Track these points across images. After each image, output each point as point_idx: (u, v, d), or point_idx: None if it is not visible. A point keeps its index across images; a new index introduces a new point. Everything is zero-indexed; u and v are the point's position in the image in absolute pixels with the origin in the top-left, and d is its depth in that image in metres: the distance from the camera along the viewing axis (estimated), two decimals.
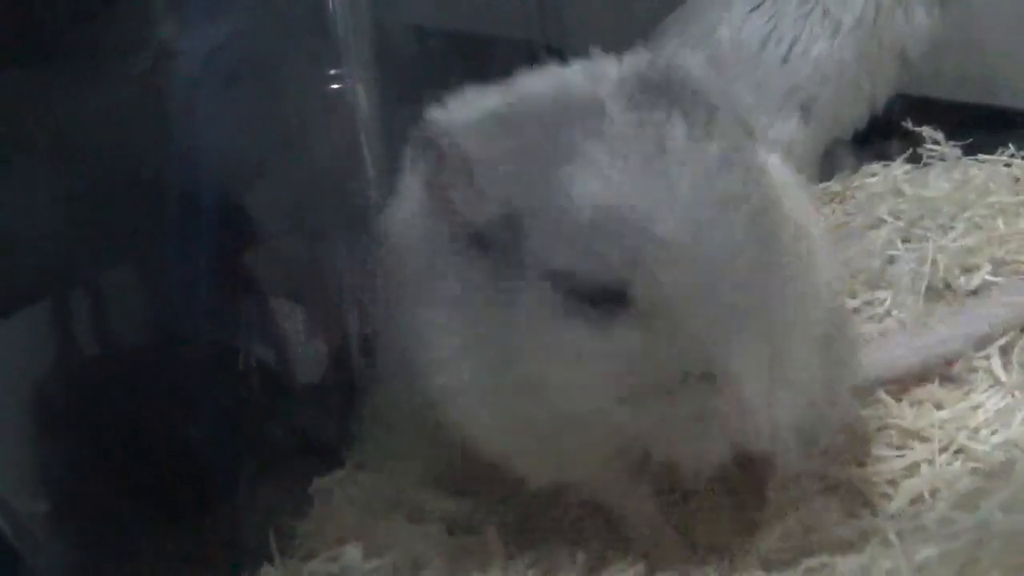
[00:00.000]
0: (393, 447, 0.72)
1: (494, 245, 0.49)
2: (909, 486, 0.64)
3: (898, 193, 0.97)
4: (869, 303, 0.85)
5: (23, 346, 0.71)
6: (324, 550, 0.63)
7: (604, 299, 0.47)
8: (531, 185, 0.48)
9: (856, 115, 1.10)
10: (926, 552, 0.48)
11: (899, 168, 1.03)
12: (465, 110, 0.55)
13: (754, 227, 0.48)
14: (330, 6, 0.96)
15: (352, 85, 0.93)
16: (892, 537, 0.52)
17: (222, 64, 0.86)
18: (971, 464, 0.65)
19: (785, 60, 1.07)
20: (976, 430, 0.69)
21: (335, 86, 0.93)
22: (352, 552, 0.58)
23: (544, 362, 0.49)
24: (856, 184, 1.03)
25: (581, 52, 0.58)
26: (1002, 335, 0.74)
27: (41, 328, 0.75)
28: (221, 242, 0.83)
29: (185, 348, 0.81)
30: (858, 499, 0.64)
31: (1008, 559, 0.46)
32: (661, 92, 0.50)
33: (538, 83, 0.56)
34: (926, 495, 0.63)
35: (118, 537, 0.70)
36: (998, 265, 0.83)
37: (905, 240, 0.90)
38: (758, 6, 1.09)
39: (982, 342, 0.74)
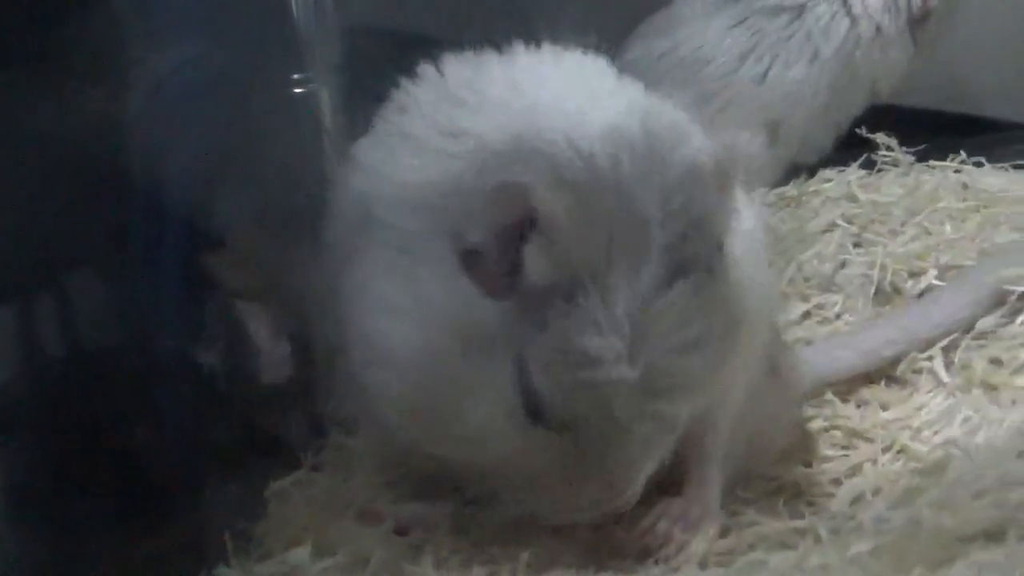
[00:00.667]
0: (349, 450, 0.73)
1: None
2: (851, 486, 0.66)
3: (852, 198, 0.99)
4: (820, 307, 0.87)
5: None
6: (279, 551, 0.63)
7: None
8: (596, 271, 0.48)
9: (821, 141, 1.13)
10: (857, 547, 0.50)
11: (853, 173, 1.05)
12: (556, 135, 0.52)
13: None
14: (293, 11, 0.97)
15: (316, 89, 0.94)
16: (823, 533, 0.53)
17: (187, 72, 0.87)
18: (912, 464, 0.67)
19: (763, 79, 1.09)
20: (919, 430, 0.70)
21: (298, 90, 0.94)
22: (300, 553, 0.59)
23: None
24: (811, 189, 1.04)
25: None
26: (944, 337, 0.75)
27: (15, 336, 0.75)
28: (180, 245, 0.84)
29: (143, 352, 0.81)
30: (802, 498, 0.65)
31: (934, 554, 0.48)
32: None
33: (627, 121, 0.53)
34: (868, 494, 0.64)
35: (76, 539, 0.71)
36: (944, 270, 0.85)
37: (857, 244, 0.92)
38: (741, 22, 1.10)
39: (925, 344, 0.76)
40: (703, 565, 0.55)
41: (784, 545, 0.56)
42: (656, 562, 0.56)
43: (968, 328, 0.76)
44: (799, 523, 0.59)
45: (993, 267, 0.78)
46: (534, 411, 0.50)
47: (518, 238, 0.48)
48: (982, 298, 0.76)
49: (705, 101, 1.06)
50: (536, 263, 0.48)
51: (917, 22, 1.14)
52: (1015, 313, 0.75)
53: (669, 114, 0.56)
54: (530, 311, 0.49)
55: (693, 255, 0.49)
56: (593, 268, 0.48)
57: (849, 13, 1.10)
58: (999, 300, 0.76)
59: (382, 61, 1.03)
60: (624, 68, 0.63)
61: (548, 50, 0.62)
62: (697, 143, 0.53)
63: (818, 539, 0.54)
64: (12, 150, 0.71)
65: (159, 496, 0.73)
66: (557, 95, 0.56)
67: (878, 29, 1.11)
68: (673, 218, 0.49)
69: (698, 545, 0.56)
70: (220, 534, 0.67)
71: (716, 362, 0.51)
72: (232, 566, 0.63)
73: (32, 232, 0.72)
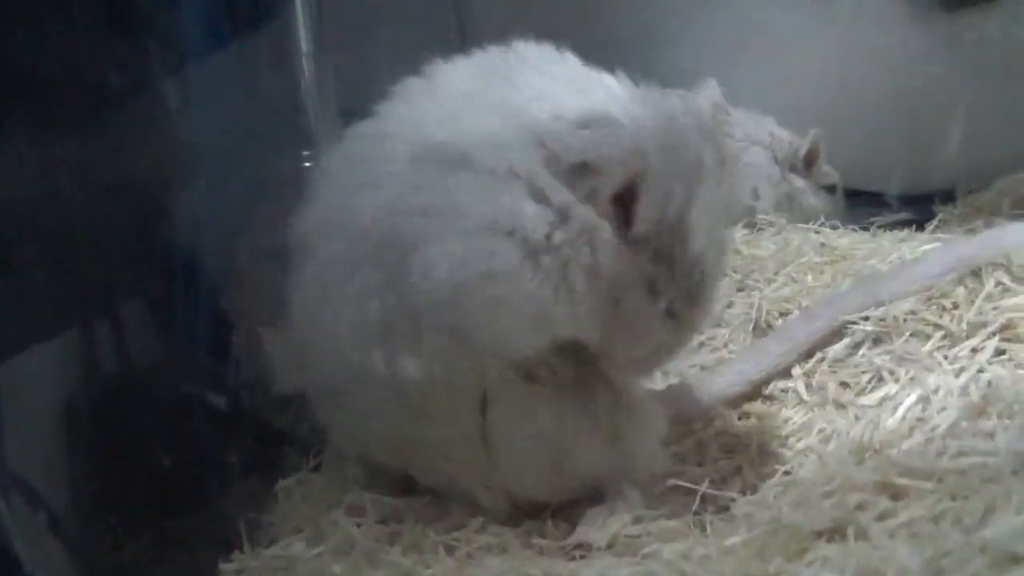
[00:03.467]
0: (341, 453, 0.72)
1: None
2: (734, 483, 0.66)
3: (736, 252, 0.99)
4: (712, 338, 0.87)
5: (44, 376, 0.70)
6: (283, 538, 0.63)
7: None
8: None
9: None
10: (732, 540, 0.50)
11: (738, 233, 1.05)
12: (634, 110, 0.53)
13: None
14: (303, 101, 0.97)
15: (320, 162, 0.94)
16: (708, 527, 0.53)
17: (222, 150, 0.87)
18: (780, 467, 0.67)
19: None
20: (785, 438, 0.71)
21: (307, 164, 0.94)
22: (297, 544, 0.58)
23: None
24: None
25: None
26: (797, 360, 0.76)
27: (62, 358, 0.74)
28: (210, 282, 0.84)
29: (179, 372, 0.81)
30: (696, 494, 0.65)
31: (791, 546, 0.48)
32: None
33: (672, 104, 0.55)
34: (746, 492, 0.64)
35: (122, 524, 0.69)
36: None
37: (740, 289, 0.92)
38: None
39: (784, 368, 0.76)
40: (611, 545, 0.55)
41: (679, 534, 0.56)
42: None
43: (810, 354, 0.76)
44: (691, 516, 0.59)
45: (828, 306, 0.79)
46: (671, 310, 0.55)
47: (633, 196, 0.51)
48: (820, 329, 0.76)
49: None
50: (645, 210, 0.51)
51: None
52: (858, 345, 0.75)
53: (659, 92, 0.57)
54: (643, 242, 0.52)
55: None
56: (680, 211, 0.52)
57: None
58: (835, 332, 0.76)
59: None
60: None
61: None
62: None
63: (703, 531, 0.54)
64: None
65: (189, 490, 0.72)
66: (597, 83, 0.56)
67: None
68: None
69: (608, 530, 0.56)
70: (236, 524, 0.66)
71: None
72: (245, 551, 0.63)
73: (96, 270, 0.72)
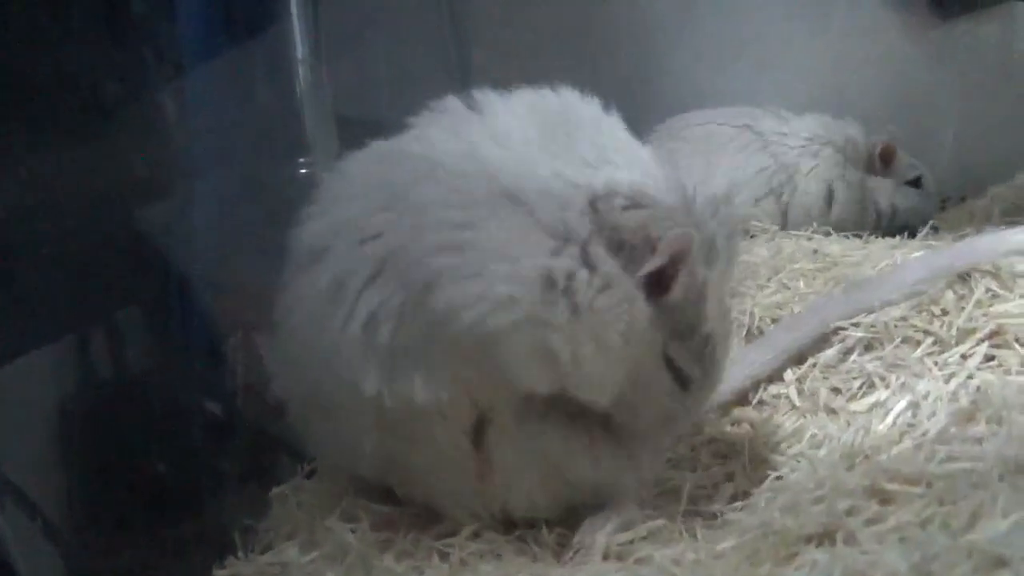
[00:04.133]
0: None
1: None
2: (726, 489, 0.66)
3: None
4: None
5: (39, 383, 0.71)
6: (277, 545, 0.63)
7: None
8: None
9: None
10: (723, 545, 0.50)
11: None
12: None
13: None
14: (301, 111, 0.98)
15: (316, 170, 0.95)
16: (699, 531, 0.54)
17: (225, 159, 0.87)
18: (772, 472, 0.68)
19: None
20: (777, 444, 0.71)
21: (303, 171, 0.94)
22: (291, 550, 0.58)
23: None
24: None
25: None
26: (780, 367, 0.76)
27: (56, 365, 0.74)
28: (206, 292, 0.84)
29: (176, 380, 0.81)
30: (688, 499, 0.64)
31: (781, 551, 0.49)
32: None
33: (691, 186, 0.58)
34: (738, 497, 0.65)
35: (121, 529, 0.70)
36: None
37: (732, 295, 0.93)
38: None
39: (766, 376, 0.76)
40: (606, 555, 0.56)
41: (670, 539, 0.56)
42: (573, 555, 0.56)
43: (800, 360, 0.76)
44: (683, 522, 0.59)
45: (814, 312, 0.79)
46: (682, 380, 0.58)
47: (677, 270, 0.54)
48: (806, 335, 0.77)
49: None
50: (682, 284, 0.54)
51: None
52: (849, 351, 0.76)
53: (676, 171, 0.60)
54: (667, 315, 0.55)
55: None
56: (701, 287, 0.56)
57: None
58: (821, 337, 0.77)
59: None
60: None
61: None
62: None
63: (695, 537, 0.54)
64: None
65: (184, 497, 0.73)
66: (637, 154, 0.59)
67: None
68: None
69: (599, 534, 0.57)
70: (230, 530, 0.66)
71: None
72: (239, 557, 0.63)
73: (91, 277, 0.72)
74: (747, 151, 1.14)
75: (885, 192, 1.18)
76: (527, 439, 0.57)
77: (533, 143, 0.56)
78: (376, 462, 0.58)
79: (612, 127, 0.59)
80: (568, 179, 0.54)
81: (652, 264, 0.54)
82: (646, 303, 0.54)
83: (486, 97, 0.58)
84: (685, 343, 0.57)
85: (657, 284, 0.55)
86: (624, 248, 0.54)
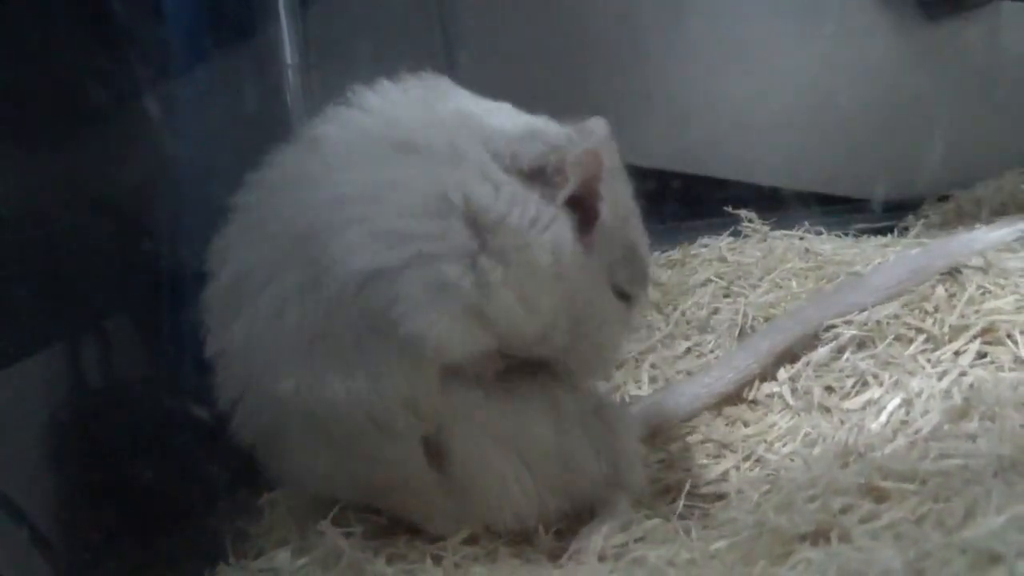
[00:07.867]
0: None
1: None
2: (720, 488, 0.66)
3: (722, 260, 1.00)
4: (698, 344, 0.87)
5: (28, 390, 0.70)
6: (269, 550, 0.62)
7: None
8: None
9: None
10: (717, 544, 0.50)
11: (724, 240, 1.05)
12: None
13: None
14: (288, 97, 0.98)
15: None
16: (693, 531, 0.53)
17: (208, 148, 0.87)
18: (766, 471, 0.68)
19: None
20: (771, 443, 0.71)
21: None
22: (282, 556, 0.57)
23: None
24: (692, 252, 1.05)
25: None
26: (764, 371, 0.76)
27: (45, 372, 0.74)
28: (191, 295, 0.83)
29: (166, 387, 0.80)
30: (682, 499, 0.64)
31: (775, 549, 0.48)
32: None
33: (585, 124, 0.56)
34: (733, 495, 0.65)
35: (109, 537, 0.69)
36: None
37: (726, 295, 0.92)
38: None
39: (751, 378, 0.76)
40: (602, 557, 0.55)
41: (665, 539, 0.56)
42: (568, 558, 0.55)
43: (793, 358, 0.76)
44: (677, 521, 0.59)
45: (802, 312, 0.79)
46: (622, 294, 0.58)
47: (592, 194, 0.52)
48: (797, 334, 0.77)
49: None
50: (609, 205, 0.53)
51: None
52: (842, 350, 0.75)
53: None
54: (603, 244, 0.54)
55: None
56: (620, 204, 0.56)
57: None
58: (813, 335, 0.77)
59: None
60: None
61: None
62: None
63: (689, 536, 0.54)
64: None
65: (174, 503, 0.72)
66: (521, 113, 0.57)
67: None
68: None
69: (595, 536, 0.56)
70: (222, 536, 0.66)
71: None
72: (231, 563, 0.62)
73: (80, 284, 0.71)
74: None
75: None
76: (482, 433, 0.54)
77: (413, 104, 0.53)
78: (340, 484, 0.55)
79: (492, 100, 0.56)
80: (456, 127, 0.51)
81: (569, 188, 0.51)
82: (575, 236, 0.52)
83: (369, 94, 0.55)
84: (625, 267, 0.57)
85: (583, 214, 0.52)
86: (533, 177, 0.50)
